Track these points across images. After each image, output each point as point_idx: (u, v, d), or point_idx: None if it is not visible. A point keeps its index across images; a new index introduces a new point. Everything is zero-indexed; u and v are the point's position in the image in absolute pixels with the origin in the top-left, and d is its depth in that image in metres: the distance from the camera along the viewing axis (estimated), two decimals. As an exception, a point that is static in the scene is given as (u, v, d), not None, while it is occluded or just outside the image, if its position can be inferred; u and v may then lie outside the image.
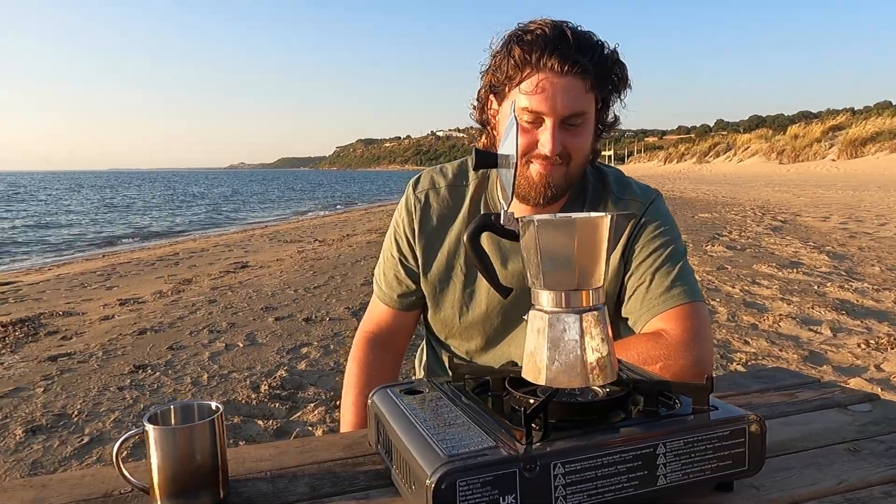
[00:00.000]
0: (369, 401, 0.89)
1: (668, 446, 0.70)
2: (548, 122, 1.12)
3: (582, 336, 0.76)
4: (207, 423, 0.77)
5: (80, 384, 3.61)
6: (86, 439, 2.89)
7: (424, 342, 1.51)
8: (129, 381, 3.65)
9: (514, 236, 0.80)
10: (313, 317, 5.15)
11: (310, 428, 3.03)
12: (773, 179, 28.10)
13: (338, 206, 29.01)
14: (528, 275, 0.80)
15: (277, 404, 3.31)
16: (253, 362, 4.00)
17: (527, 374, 0.80)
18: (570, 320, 0.76)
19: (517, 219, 0.79)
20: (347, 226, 15.32)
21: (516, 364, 0.95)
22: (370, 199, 36.99)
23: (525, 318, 0.82)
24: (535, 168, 1.16)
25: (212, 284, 6.93)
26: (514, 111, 0.82)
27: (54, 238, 16.75)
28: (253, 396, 3.39)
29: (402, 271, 1.37)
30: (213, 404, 0.81)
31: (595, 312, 0.77)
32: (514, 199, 1.24)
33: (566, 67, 1.09)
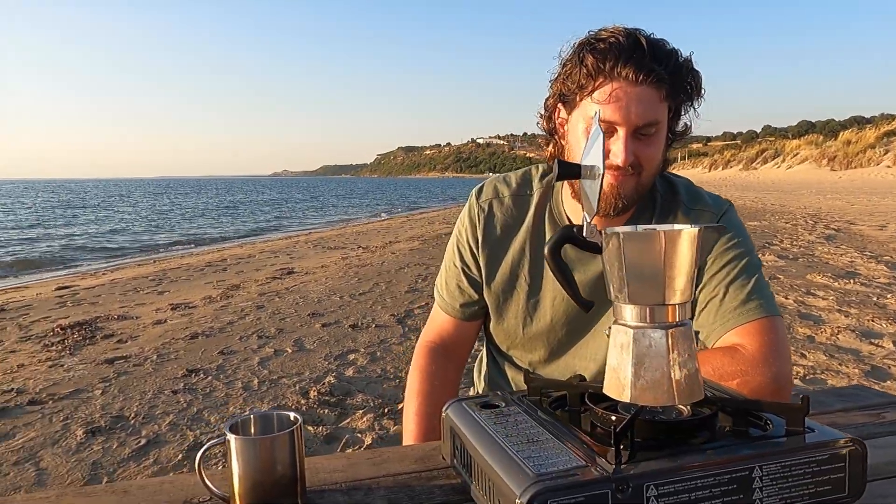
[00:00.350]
0: (443, 414, 0.88)
1: (764, 470, 0.67)
2: (620, 132, 1.10)
3: (669, 352, 0.74)
4: (288, 434, 0.77)
5: (136, 387, 3.70)
6: (142, 441, 2.95)
7: (485, 352, 1.50)
8: (182, 384, 3.73)
9: (596, 248, 0.78)
10: (359, 324, 5.19)
11: (359, 435, 3.04)
12: (825, 187, 27.25)
13: (382, 215, 29.24)
14: (611, 288, 0.78)
15: (326, 410, 3.34)
16: (301, 368, 4.04)
17: (609, 390, 0.78)
18: (657, 336, 0.74)
19: (600, 231, 0.77)
20: (390, 233, 15.41)
21: (584, 378, 0.93)
22: (411, 207, 37.20)
23: (606, 332, 0.80)
24: (606, 178, 1.14)
25: (259, 290, 7.05)
26: (598, 121, 0.81)
27: (109, 243, 17.31)
28: (302, 402, 3.43)
29: (464, 281, 1.36)
30: (292, 415, 0.81)
31: (682, 328, 0.75)
32: (584, 209, 1.22)
33: (641, 76, 1.06)
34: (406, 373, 3.98)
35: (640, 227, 0.77)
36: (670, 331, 0.74)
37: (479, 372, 1.53)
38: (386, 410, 3.32)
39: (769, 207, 16.90)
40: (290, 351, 4.42)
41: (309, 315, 5.55)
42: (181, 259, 11.70)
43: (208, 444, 0.80)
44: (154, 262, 11.79)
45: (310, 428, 3.09)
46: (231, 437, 0.76)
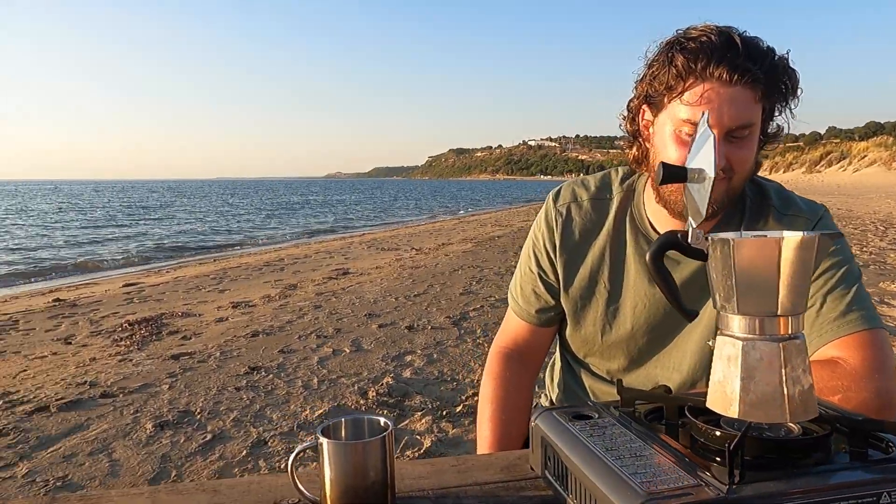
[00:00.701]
0: (532, 423, 0.86)
1: (893, 496, 0.63)
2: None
3: (782, 367, 0.69)
4: (380, 440, 0.76)
5: (201, 383, 3.80)
6: (208, 437, 3.02)
7: (559, 358, 1.47)
8: (244, 381, 3.81)
9: (701, 255, 0.75)
10: (415, 325, 5.20)
11: (418, 437, 3.04)
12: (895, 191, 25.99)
13: (439, 217, 29.38)
14: (717, 297, 0.74)
15: (386, 411, 3.35)
16: (360, 368, 4.07)
17: (713, 405, 0.74)
18: (768, 349, 0.70)
19: (706, 237, 0.74)
20: (442, 235, 15.45)
21: (669, 389, 0.90)
22: (463, 209, 37.24)
23: (710, 343, 0.76)
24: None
25: (316, 290, 7.16)
26: (707, 123, 0.77)
27: (173, 242, 17.91)
28: (361, 402, 3.45)
29: (540, 286, 1.33)
30: (382, 420, 0.80)
31: (796, 341, 0.71)
32: (668, 213, 1.18)
33: (735, 77, 1.02)
34: (463, 376, 3.96)
35: (750, 234, 0.73)
36: (783, 344, 0.70)
37: (552, 378, 1.50)
38: (444, 413, 3.31)
39: (835, 213, 16.21)
40: (347, 351, 4.47)
41: (365, 315, 5.60)
42: (240, 258, 11.99)
43: (301, 447, 0.80)
44: (214, 260, 12.12)
45: (369, 428, 3.11)
46: (323, 440, 0.75)
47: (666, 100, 1.11)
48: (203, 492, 0.86)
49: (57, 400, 3.48)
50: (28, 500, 0.79)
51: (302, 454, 0.79)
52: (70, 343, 5.10)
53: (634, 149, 1.23)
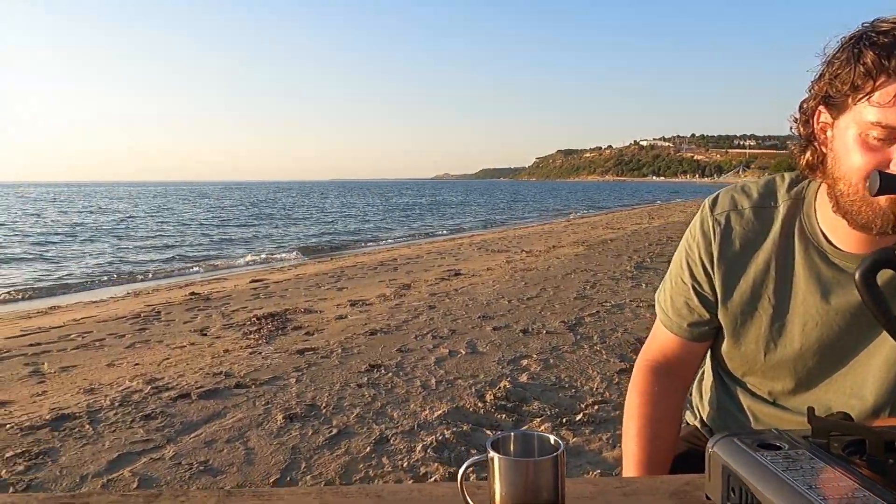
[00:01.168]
0: (709, 450, 0.80)
1: None
2: None
3: None
4: (553, 459, 0.73)
5: (325, 378, 3.94)
6: (334, 431, 3.13)
7: (709, 374, 1.38)
8: (365, 378, 3.91)
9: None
10: (530, 329, 5.15)
11: (538, 444, 2.99)
12: None
13: (548, 219, 29.11)
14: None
15: (504, 415, 3.33)
16: (476, 370, 4.08)
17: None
18: None
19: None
20: (552, 237, 15.25)
21: (849, 416, 0.81)
22: (572, 211, 36.63)
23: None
24: (888, 195, 0.99)
25: (429, 290, 7.26)
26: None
27: (291, 240, 18.86)
28: (479, 405, 3.45)
29: (694, 299, 1.26)
30: (552, 438, 0.78)
31: None
32: (847, 224, 1.07)
33: None
34: (581, 383, 3.86)
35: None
36: None
37: (701, 395, 1.42)
38: (564, 420, 3.24)
39: None
40: (463, 352, 4.49)
41: (479, 317, 5.61)
42: (355, 258, 12.41)
43: (472, 460, 0.79)
44: (331, 259, 12.62)
45: (488, 432, 3.10)
46: (495, 455, 0.74)
47: (850, 101, 1.01)
48: (367, 496, 0.87)
49: (197, 388, 3.73)
50: (205, 493, 0.83)
51: (471, 468, 0.78)
52: (205, 335, 5.46)
53: (808, 154, 1.13)
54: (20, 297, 10.07)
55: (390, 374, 4.01)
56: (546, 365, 4.17)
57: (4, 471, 2.72)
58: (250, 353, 4.60)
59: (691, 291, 1.26)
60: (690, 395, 1.47)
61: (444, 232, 22.54)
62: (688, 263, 1.28)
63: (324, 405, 3.47)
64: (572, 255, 10.34)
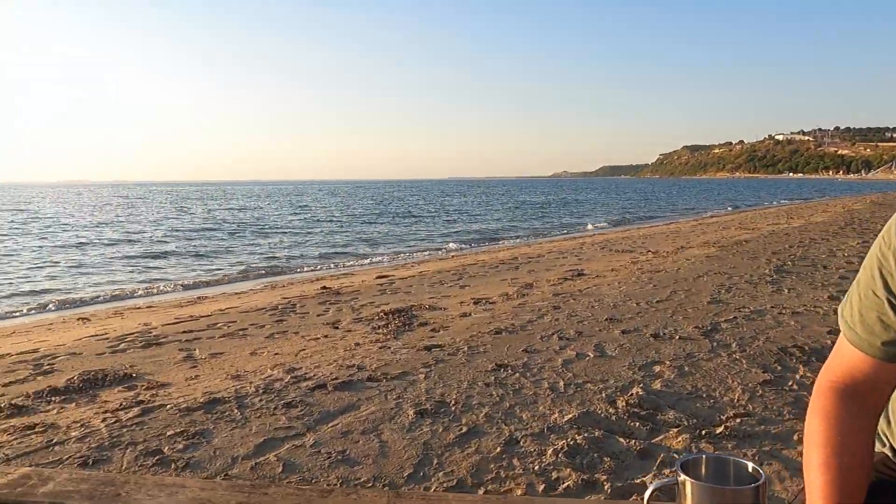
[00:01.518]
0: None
1: None
2: None
3: None
4: (754, 490, 0.68)
5: (453, 375, 3.98)
6: (463, 429, 3.14)
7: (900, 397, 1.24)
8: (492, 378, 3.91)
9: None
10: (661, 333, 4.93)
11: (675, 455, 2.85)
12: None
13: (674, 218, 27.97)
14: None
15: (637, 423, 3.21)
16: (605, 375, 3.96)
17: None
18: None
19: None
20: (680, 237, 14.58)
21: None
22: (698, 209, 34.88)
23: None
24: None
25: (552, 290, 7.16)
26: None
27: (412, 237, 19.32)
28: (611, 411, 3.35)
29: (890, 314, 1.12)
30: (751, 465, 0.72)
31: None
32: None
33: None
34: (721, 394, 3.65)
35: None
36: None
37: (889, 419, 1.28)
38: (703, 433, 3.07)
39: None
40: (591, 355, 4.38)
41: (606, 319, 5.45)
42: (476, 256, 12.50)
43: (660, 483, 0.75)
44: (452, 257, 12.78)
45: (621, 440, 3.00)
46: (687, 479, 0.69)
47: None
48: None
49: (332, 379, 3.89)
50: (376, 493, 0.84)
51: (657, 492, 0.74)
52: (337, 328, 5.70)
53: None
54: (171, 288, 11.02)
55: (517, 374, 3.99)
56: (681, 372, 3.98)
57: (167, 448, 2.96)
58: (380, 348, 4.74)
59: (886, 305, 1.13)
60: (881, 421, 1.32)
61: (563, 230, 22.22)
62: (881, 273, 1.15)
63: (453, 402, 3.50)
64: (703, 257, 9.82)
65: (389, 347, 4.74)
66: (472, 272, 9.31)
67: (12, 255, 16.64)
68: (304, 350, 4.88)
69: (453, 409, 3.42)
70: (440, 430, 3.14)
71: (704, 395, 3.59)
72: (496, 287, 7.74)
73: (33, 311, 9.35)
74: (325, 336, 5.37)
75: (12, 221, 29.97)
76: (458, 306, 6.46)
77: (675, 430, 3.12)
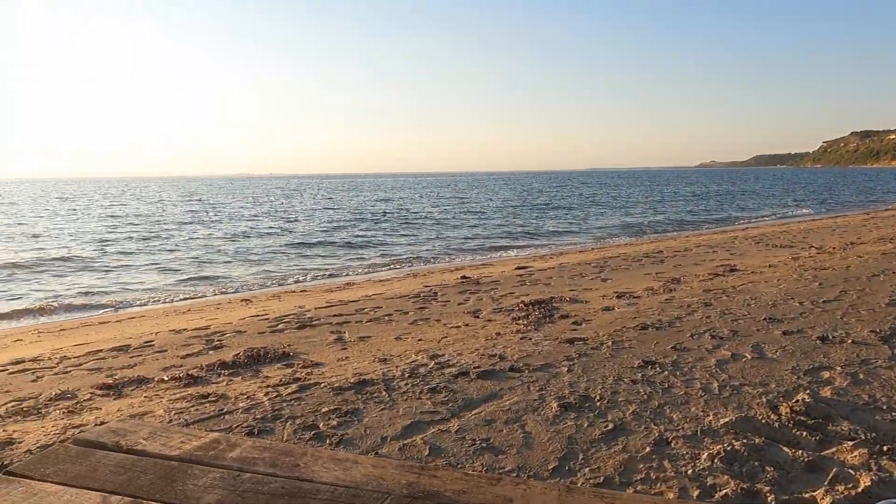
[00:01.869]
0: None
1: None
2: None
3: None
4: None
5: (597, 370, 3.88)
6: (609, 426, 3.05)
7: None
8: (639, 375, 3.76)
9: None
10: (829, 336, 4.49)
11: (850, 471, 2.58)
12: None
13: (839, 211, 25.55)
14: None
15: (804, 433, 2.94)
16: (765, 378, 3.68)
17: None
18: None
19: None
20: (848, 232, 13.24)
21: None
22: (869, 202, 31.49)
23: None
24: None
25: (702, 286, 6.77)
26: None
27: (548, 229, 19.12)
28: (773, 417, 3.09)
29: None
30: None
31: None
32: None
33: None
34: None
35: None
36: None
37: None
38: (884, 449, 2.75)
39: None
40: (748, 357, 4.08)
41: (765, 319, 5.06)
42: (618, 248, 12.12)
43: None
44: (592, 249, 12.49)
45: (786, 449, 2.77)
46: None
47: None
48: (600, 498, 0.79)
49: (474, 368, 3.93)
50: (546, 485, 0.82)
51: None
52: (478, 317, 5.76)
53: None
54: (321, 275, 11.71)
55: (666, 372, 3.80)
56: (855, 380, 3.60)
57: (322, 424, 3.14)
58: (521, 339, 4.72)
59: None
60: None
61: (708, 223, 20.93)
62: None
63: (597, 398, 3.40)
64: (878, 254, 8.85)
65: (531, 338, 4.71)
66: (614, 265, 9.03)
67: (190, 239, 18.50)
68: (446, 337, 4.98)
69: (598, 404, 3.32)
70: (585, 424, 3.07)
71: (884, 407, 3.22)
72: (640, 281, 7.45)
73: (209, 294, 10.31)
74: (466, 324, 5.45)
75: (192, 211, 33.30)
76: (601, 300, 6.29)
77: (850, 443, 2.82)
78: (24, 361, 5.06)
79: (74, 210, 35.93)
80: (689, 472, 2.59)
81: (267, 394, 3.62)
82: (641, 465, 2.67)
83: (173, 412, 3.38)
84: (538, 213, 28.49)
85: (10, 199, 54.34)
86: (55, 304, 9.30)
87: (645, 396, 3.42)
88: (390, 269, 12.04)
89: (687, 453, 2.75)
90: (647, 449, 2.81)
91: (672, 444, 2.84)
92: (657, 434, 2.95)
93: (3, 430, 3.28)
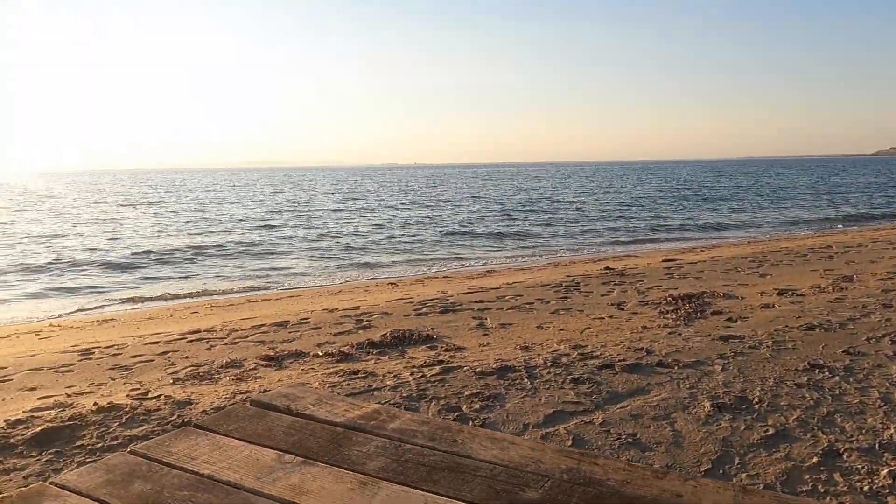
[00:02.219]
0: None
1: None
2: None
3: None
4: None
5: (755, 371, 3.61)
6: (770, 430, 2.83)
7: None
8: (805, 378, 3.46)
9: None
10: None
11: None
12: None
13: None
14: None
15: None
16: (961, 392, 3.23)
17: None
18: None
19: None
20: None
21: None
22: None
23: None
24: None
25: (880, 286, 6.08)
26: None
27: (699, 221, 18.09)
28: (971, 437, 2.72)
29: None
30: None
31: None
32: None
33: None
34: None
35: None
36: None
37: None
38: None
39: None
40: (939, 367, 3.61)
41: (960, 325, 4.45)
42: (778, 242, 11.21)
43: None
44: (748, 242, 11.65)
45: None
46: None
47: None
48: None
49: (620, 360, 3.81)
50: (720, 485, 0.77)
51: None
52: (622, 309, 5.57)
53: None
54: (464, 263, 11.91)
55: (836, 377, 3.46)
56: None
57: (465, 406, 3.19)
58: (669, 333, 4.51)
59: None
60: None
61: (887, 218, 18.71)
62: None
63: (756, 400, 3.17)
64: None
65: (680, 333, 4.48)
66: (774, 259, 8.35)
67: (341, 223, 19.60)
68: (588, 328, 4.87)
69: (757, 406, 3.09)
70: (742, 427, 2.87)
71: None
72: (805, 277, 6.84)
73: (359, 278, 10.87)
74: (610, 316, 5.29)
75: (346, 200, 35.21)
76: (759, 296, 5.84)
77: None
78: (199, 331, 5.61)
79: (240, 196, 39.28)
80: (866, 488, 2.34)
81: (412, 374, 3.74)
82: (808, 476, 2.45)
83: (327, 385, 3.60)
84: (686, 203, 27.07)
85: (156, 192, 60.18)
86: (224, 283, 10.22)
87: (811, 402, 3.13)
88: (531, 257, 11.99)
89: (862, 468, 2.49)
90: (815, 459, 2.57)
91: (844, 457, 2.59)
92: (826, 444, 2.70)
93: (184, 391, 3.66)
